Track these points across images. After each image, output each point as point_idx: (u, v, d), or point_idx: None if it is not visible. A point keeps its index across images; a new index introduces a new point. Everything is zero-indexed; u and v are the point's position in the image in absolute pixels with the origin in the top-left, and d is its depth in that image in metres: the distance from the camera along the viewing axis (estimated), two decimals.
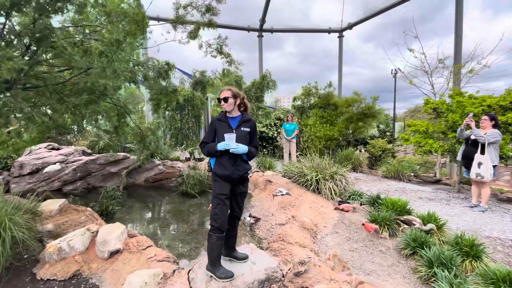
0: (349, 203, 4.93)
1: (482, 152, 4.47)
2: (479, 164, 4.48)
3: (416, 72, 9.68)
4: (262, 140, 11.81)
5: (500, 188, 6.07)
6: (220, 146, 2.36)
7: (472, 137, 4.62)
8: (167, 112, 9.68)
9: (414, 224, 3.57)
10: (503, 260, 3.03)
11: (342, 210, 4.65)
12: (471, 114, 4.69)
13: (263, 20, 12.92)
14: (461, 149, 4.99)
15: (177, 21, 5.85)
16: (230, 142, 2.34)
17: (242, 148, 2.37)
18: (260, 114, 9.44)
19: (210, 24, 6.13)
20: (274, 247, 3.25)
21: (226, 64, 8.13)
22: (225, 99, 2.45)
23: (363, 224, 3.88)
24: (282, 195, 5.36)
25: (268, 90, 9.37)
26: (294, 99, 11.51)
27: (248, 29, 13.39)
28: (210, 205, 2.86)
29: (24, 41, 3.51)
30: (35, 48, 3.63)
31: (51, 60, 4.12)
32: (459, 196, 5.56)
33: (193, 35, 6.18)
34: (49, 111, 4.40)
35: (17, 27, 3.31)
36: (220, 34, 7.10)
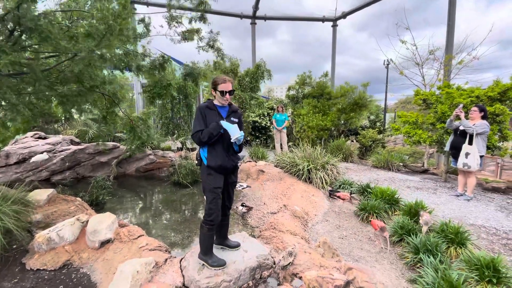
0: (339, 192, 5.01)
1: (470, 143, 4.57)
2: (467, 154, 4.58)
3: (408, 63, 9.73)
4: (254, 130, 11.78)
5: (486, 178, 6.26)
6: (226, 125, 2.23)
7: (461, 127, 4.71)
8: (158, 101, 9.54)
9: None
10: (487, 247, 3.15)
11: (339, 198, 4.70)
12: (461, 105, 4.76)
13: (256, 7, 12.66)
14: (449, 140, 5.09)
15: (169, 10, 5.68)
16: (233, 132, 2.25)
17: (242, 135, 2.32)
18: (253, 104, 9.34)
19: (202, 18, 6.02)
20: (266, 235, 3.29)
21: (218, 58, 8.01)
22: (231, 92, 2.37)
23: (370, 220, 3.84)
24: (242, 188, 5.57)
25: (263, 80, 9.24)
26: (289, 88, 11.47)
27: (241, 16, 13.12)
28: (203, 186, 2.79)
29: (8, 26, 3.34)
30: (19, 33, 3.46)
31: (36, 46, 3.95)
32: (446, 186, 5.71)
33: (188, 36, 6.03)
34: (34, 100, 4.25)
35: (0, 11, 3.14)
36: (212, 30, 6.93)
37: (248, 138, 11.23)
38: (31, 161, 6.26)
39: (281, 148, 8.87)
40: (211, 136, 2.26)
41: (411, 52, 9.47)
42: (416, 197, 4.44)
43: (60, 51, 3.33)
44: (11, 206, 3.05)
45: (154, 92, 5.44)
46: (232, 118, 2.43)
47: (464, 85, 6.28)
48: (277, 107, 9.00)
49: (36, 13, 3.15)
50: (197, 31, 5.93)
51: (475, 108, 4.68)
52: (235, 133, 2.23)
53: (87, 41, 3.22)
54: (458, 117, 4.79)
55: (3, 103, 3.65)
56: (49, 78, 3.93)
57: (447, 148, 5.14)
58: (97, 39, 3.18)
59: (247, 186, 5.58)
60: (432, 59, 9.15)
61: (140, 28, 5.70)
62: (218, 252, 2.56)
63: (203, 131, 2.29)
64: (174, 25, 5.76)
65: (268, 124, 11.88)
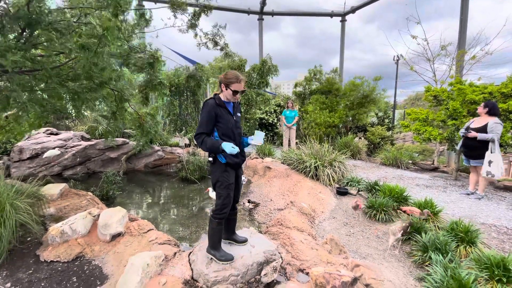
0: (346, 189, 4.98)
1: (491, 149, 4.43)
2: (490, 162, 4.43)
3: (418, 58, 9.55)
4: (261, 127, 11.77)
5: None
6: (228, 149, 2.23)
7: (479, 138, 4.53)
8: (165, 98, 9.58)
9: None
10: (497, 246, 3.11)
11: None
12: (472, 133, 4.59)
13: (263, 3, 12.59)
14: (461, 141, 4.99)
15: (174, 4, 5.67)
16: (259, 140, 2.45)
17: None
18: (260, 100, 9.29)
19: (206, 8, 5.85)
20: (272, 231, 3.31)
21: (223, 56, 7.81)
22: (243, 92, 2.43)
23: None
24: (243, 183, 5.65)
25: (270, 75, 9.16)
26: (296, 85, 11.38)
27: (249, 12, 13.08)
28: (208, 188, 2.77)
29: (19, 24, 3.41)
30: (29, 30, 3.53)
31: (45, 44, 4.03)
32: (456, 184, 5.62)
33: (193, 24, 6.03)
34: (45, 96, 4.35)
35: (11, 9, 3.21)
36: (217, 23, 6.60)
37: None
38: (43, 156, 6.42)
39: (289, 145, 8.85)
40: (210, 151, 2.34)
41: (421, 47, 9.30)
42: (426, 195, 4.38)
43: (65, 50, 3.41)
44: (25, 200, 3.14)
45: (146, 91, 5.45)
46: (238, 114, 2.55)
47: (477, 81, 6.15)
48: (287, 103, 8.93)
49: (46, 11, 3.20)
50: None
51: (481, 105, 4.61)
52: (232, 152, 2.29)
53: (83, 52, 3.32)
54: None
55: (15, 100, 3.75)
56: (60, 75, 4.01)
57: (458, 146, 5.04)
58: (91, 50, 3.28)
59: (248, 180, 5.79)
60: (444, 54, 8.97)
61: (141, 22, 5.65)
62: (225, 247, 2.60)
63: (205, 138, 2.30)
64: (179, 12, 5.73)
65: (275, 121, 11.84)
